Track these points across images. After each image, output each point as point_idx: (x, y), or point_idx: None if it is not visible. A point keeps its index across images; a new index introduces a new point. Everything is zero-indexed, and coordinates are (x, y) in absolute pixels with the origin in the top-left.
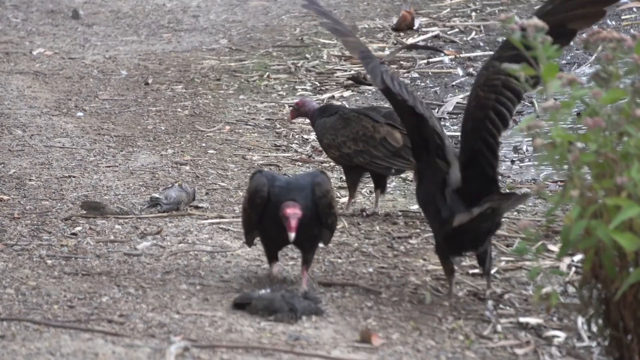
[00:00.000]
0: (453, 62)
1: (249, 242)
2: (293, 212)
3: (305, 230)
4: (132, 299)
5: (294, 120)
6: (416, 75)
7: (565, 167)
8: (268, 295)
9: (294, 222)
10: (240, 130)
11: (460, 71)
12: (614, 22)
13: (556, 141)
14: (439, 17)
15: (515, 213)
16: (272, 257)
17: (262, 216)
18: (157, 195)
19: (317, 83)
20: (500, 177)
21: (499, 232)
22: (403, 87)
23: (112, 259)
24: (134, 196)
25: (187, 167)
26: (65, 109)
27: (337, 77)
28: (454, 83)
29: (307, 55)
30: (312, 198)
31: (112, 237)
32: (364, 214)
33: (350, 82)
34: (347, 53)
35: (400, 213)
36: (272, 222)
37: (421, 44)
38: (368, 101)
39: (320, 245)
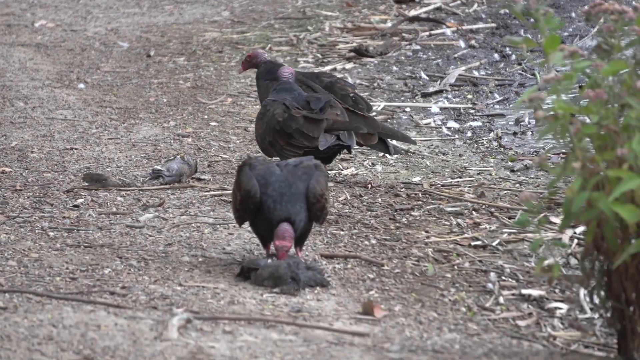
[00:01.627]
0: (455, 34)
1: (240, 224)
2: (282, 245)
3: (300, 233)
4: (135, 271)
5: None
6: (418, 47)
7: (567, 139)
8: (273, 264)
9: (282, 255)
10: (242, 103)
11: (462, 43)
12: None
13: (558, 113)
14: None
15: (517, 185)
16: (267, 242)
17: (255, 217)
18: (159, 167)
19: (319, 55)
20: (502, 149)
21: (501, 204)
22: None
23: (114, 231)
24: (136, 168)
25: (189, 139)
26: (67, 81)
27: (339, 49)
28: (455, 55)
29: (309, 27)
30: (307, 204)
31: (114, 209)
32: (369, 186)
33: (352, 54)
34: (349, 25)
35: (402, 185)
36: (264, 225)
37: (423, 15)
38: (370, 73)
39: None
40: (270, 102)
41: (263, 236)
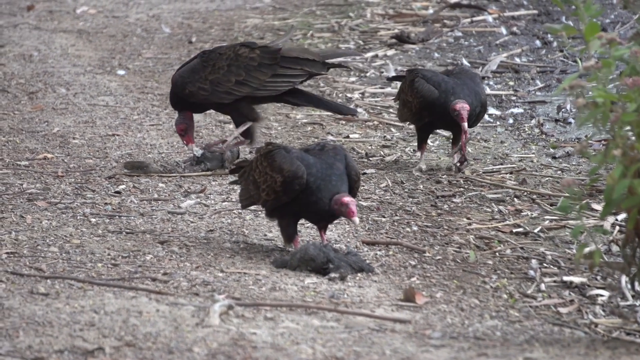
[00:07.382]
0: (496, 21)
1: (269, 211)
2: (350, 200)
3: None
4: (176, 257)
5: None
6: (459, 34)
7: (608, 126)
8: (299, 249)
9: (352, 209)
10: None
11: (503, 30)
12: None
13: (598, 101)
14: None
15: (558, 172)
16: (293, 233)
17: (295, 199)
18: (200, 151)
19: (360, 42)
20: (543, 136)
21: (542, 190)
22: None
23: (155, 217)
24: (178, 155)
25: (231, 126)
26: (109, 67)
27: (381, 35)
28: (497, 42)
29: (351, 14)
30: (349, 182)
31: (155, 196)
32: (417, 173)
33: (393, 40)
34: (391, 11)
35: (443, 172)
36: (310, 206)
37: (465, 2)
38: (411, 60)
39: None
40: (208, 54)
41: (296, 216)
